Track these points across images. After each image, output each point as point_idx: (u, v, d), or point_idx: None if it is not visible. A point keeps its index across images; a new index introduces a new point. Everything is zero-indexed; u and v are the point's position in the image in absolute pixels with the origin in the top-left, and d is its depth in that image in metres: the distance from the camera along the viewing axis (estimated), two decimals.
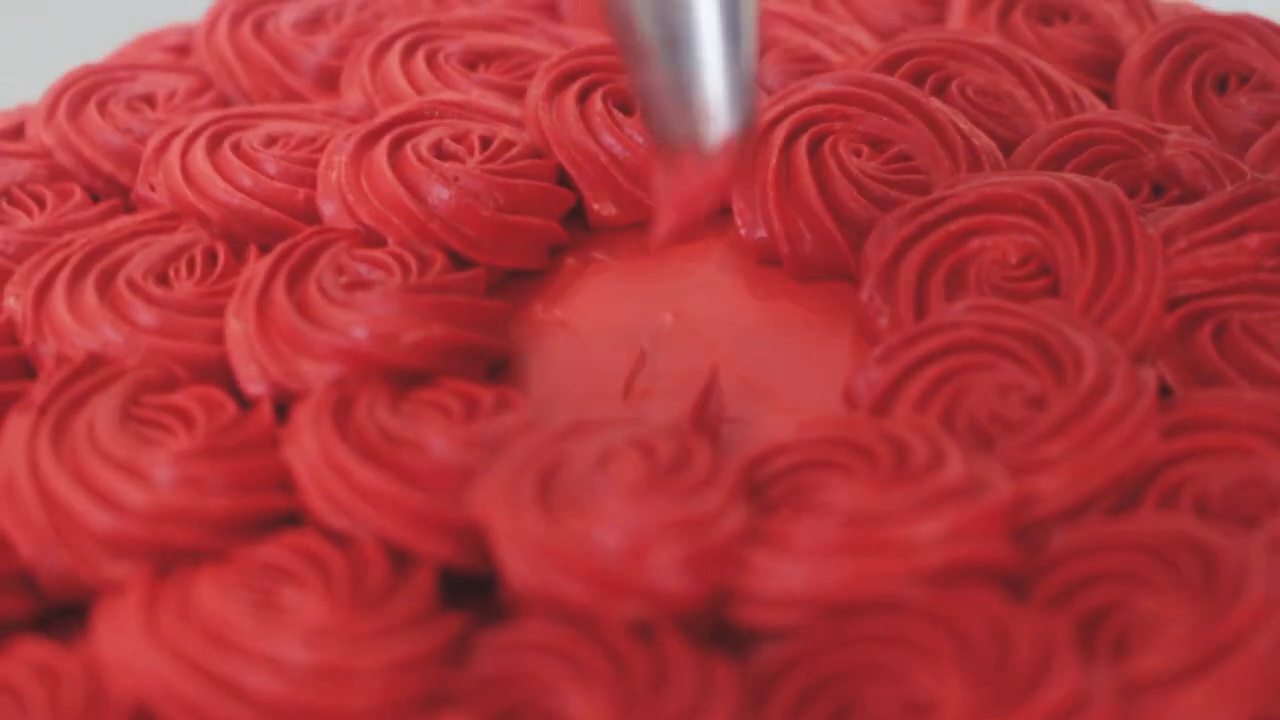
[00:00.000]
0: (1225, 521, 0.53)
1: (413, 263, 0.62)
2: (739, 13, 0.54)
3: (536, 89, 0.69)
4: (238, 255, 0.65)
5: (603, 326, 0.64)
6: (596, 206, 0.67)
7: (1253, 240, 0.61)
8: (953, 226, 0.62)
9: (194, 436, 0.57)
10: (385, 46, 0.72)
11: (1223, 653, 0.49)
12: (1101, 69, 0.72)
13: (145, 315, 0.61)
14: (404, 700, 0.50)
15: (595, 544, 0.51)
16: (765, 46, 0.73)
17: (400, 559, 0.53)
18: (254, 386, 0.59)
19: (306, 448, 0.56)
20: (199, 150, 0.67)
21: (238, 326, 0.60)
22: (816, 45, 0.73)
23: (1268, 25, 0.71)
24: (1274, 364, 0.58)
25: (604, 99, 0.68)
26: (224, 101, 0.73)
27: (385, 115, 0.67)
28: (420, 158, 0.65)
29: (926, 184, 0.64)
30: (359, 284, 0.61)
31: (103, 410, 0.57)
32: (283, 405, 0.59)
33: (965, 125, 0.66)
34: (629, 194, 0.67)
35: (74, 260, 0.63)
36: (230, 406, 0.58)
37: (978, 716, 0.47)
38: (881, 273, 0.62)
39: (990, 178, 0.63)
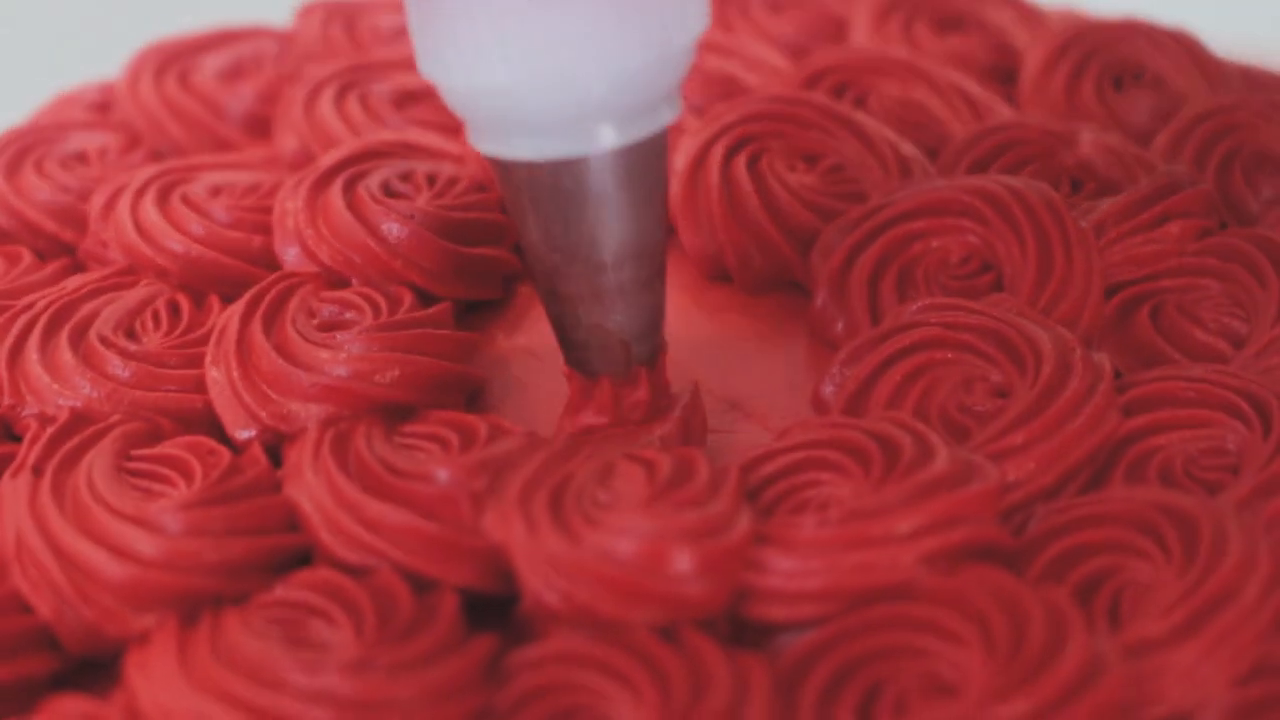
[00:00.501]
0: (1190, 489, 0.57)
1: (382, 301, 0.64)
2: (658, 264, 0.59)
3: None
4: (199, 306, 0.65)
5: None
6: None
7: (1175, 228, 0.65)
8: (897, 231, 0.65)
9: (194, 485, 0.57)
10: (317, 91, 0.73)
11: (1212, 611, 0.52)
12: (1001, 74, 0.76)
13: (123, 370, 0.62)
14: None
15: (614, 556, 0.53)
16: None
17: (421, 586, 0.55)
18: (242, 431, 0.60)
19: (311, 486, 0.57)
20: (149, 204, 0.67)
21: (218, 374, 0.61)
22: (732, 67, 0.76)
23: (1152, 27, 0.75)
24: (1209, 339, 0.62)
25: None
26: (156, 154, 0.73)
27: (333, 158, 0.68)
28: (374, 197, 0.66)
29: (861, 193, 0.68)
30: (334, 324, 0.63)
31: (98, 466, 0.58)
32: (272, 448, 0.60)
33: (892, 135, 0.69)
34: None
35: (42, 321, 0.63)
36: (223, 452, 0.59)
37: (1002, 690, 0.50)
38: (833, 280, 0.65)
39: (927, 183, 0.66)
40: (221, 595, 0.55)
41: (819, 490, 0.56)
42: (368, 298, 0.64)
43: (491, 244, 0.67)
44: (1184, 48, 0.74)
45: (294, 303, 0.63)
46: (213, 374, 0.61)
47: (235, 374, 0.61)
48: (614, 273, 0.58)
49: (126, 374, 0.62)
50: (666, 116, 0.57)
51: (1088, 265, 0.63)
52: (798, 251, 0.67)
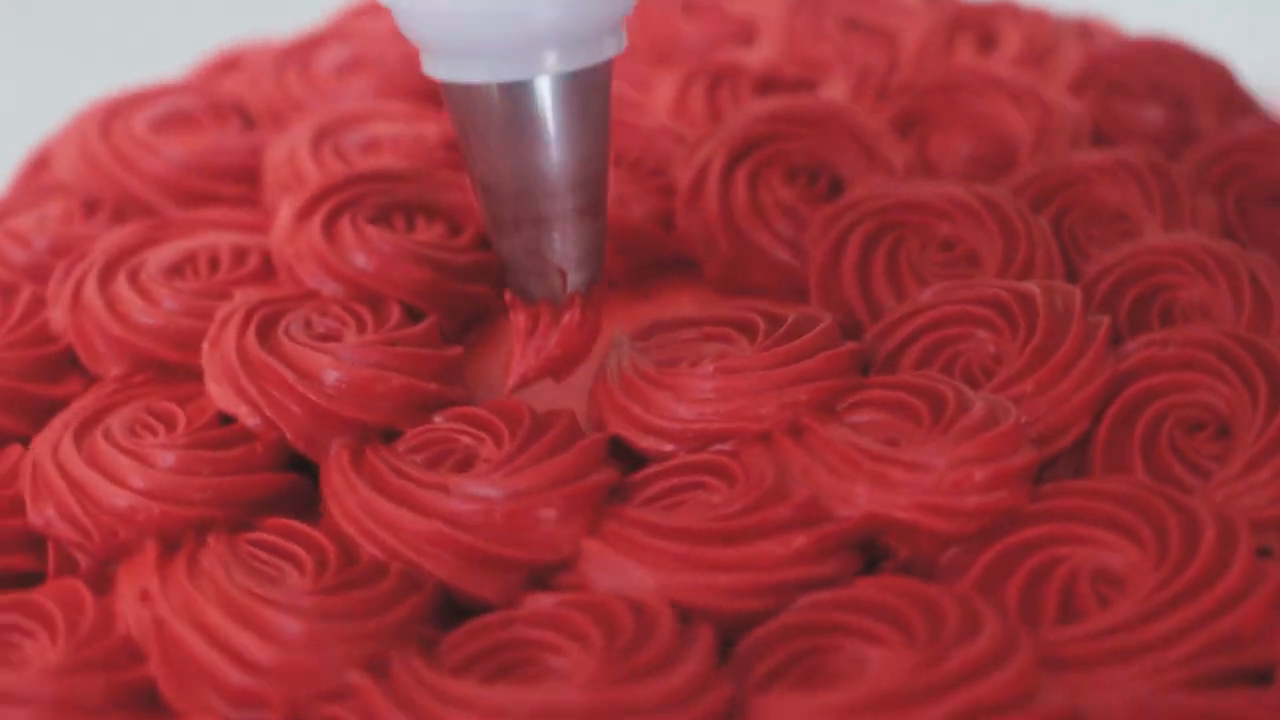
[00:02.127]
0: None
1: (367, 316, 0.66)
2: (598, 194, 0.62)
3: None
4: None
5: None
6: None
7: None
8: (886, 218, 0.69)
9: (307, 573, 0.58)
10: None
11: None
12: None
13: (170, 461, 0.62)
14: None
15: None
16: None
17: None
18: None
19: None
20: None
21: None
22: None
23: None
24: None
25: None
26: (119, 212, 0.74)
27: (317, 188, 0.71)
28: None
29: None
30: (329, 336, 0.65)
31: (231, 564, 0.59)
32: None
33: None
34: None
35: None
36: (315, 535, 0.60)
37: (1164, 582, 0.55)
38: (820, 279, 0.68)
39: (906, 185, 0.71)
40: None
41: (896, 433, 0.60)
42: (355, 313, 0.66)
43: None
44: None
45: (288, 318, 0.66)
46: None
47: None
48: (554, 200, 0.61)
49: (176, 465, 0.62)
50: (610, 48, 0.60)
51: (1045, 237, 0.69)
52: (799, 259, 0.69)
